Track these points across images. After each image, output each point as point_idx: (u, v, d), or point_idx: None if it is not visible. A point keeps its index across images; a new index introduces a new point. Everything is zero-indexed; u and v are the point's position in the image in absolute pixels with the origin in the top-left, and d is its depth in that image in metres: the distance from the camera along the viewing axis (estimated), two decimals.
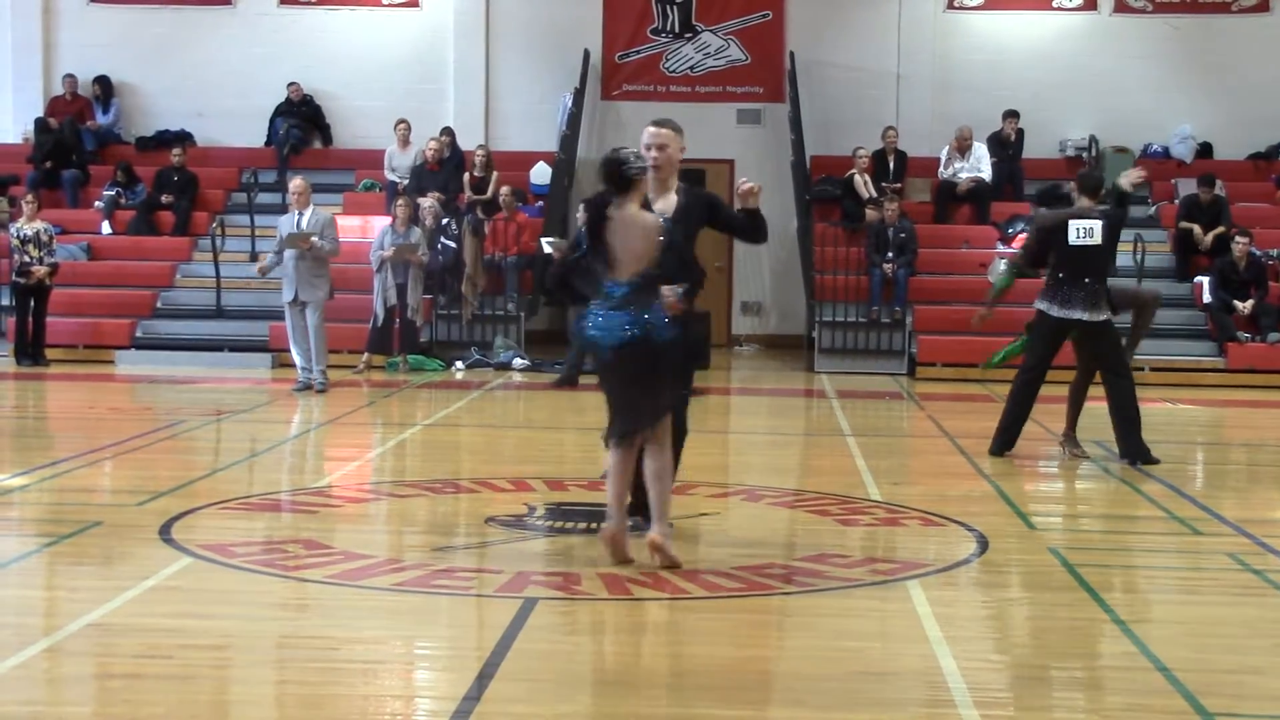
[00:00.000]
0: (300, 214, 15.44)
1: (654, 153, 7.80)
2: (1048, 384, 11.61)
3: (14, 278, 18.18)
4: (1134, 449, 11.18)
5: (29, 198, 18.79)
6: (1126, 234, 19.69)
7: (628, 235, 7.35)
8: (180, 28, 23.06)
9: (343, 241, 17.88)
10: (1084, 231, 11.07)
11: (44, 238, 18.24)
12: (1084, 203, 11.33)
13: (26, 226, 18.21)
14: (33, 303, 18.13)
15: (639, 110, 22.29)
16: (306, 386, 15.33)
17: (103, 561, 7.65)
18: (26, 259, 18.08)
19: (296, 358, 15.53)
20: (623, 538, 7.44)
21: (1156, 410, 15.37)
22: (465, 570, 7.53)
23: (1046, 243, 11.33)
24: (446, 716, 5.22)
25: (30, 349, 18.09)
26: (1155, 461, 11.10)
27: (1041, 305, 11.24)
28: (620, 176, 7.38)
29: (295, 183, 15.88)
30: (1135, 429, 11.22)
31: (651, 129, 7.93)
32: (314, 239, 15.17)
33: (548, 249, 17.75)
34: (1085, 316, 11.07)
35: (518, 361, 18.55)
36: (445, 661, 6.08)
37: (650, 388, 7.36)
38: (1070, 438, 11.63)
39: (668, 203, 7.87)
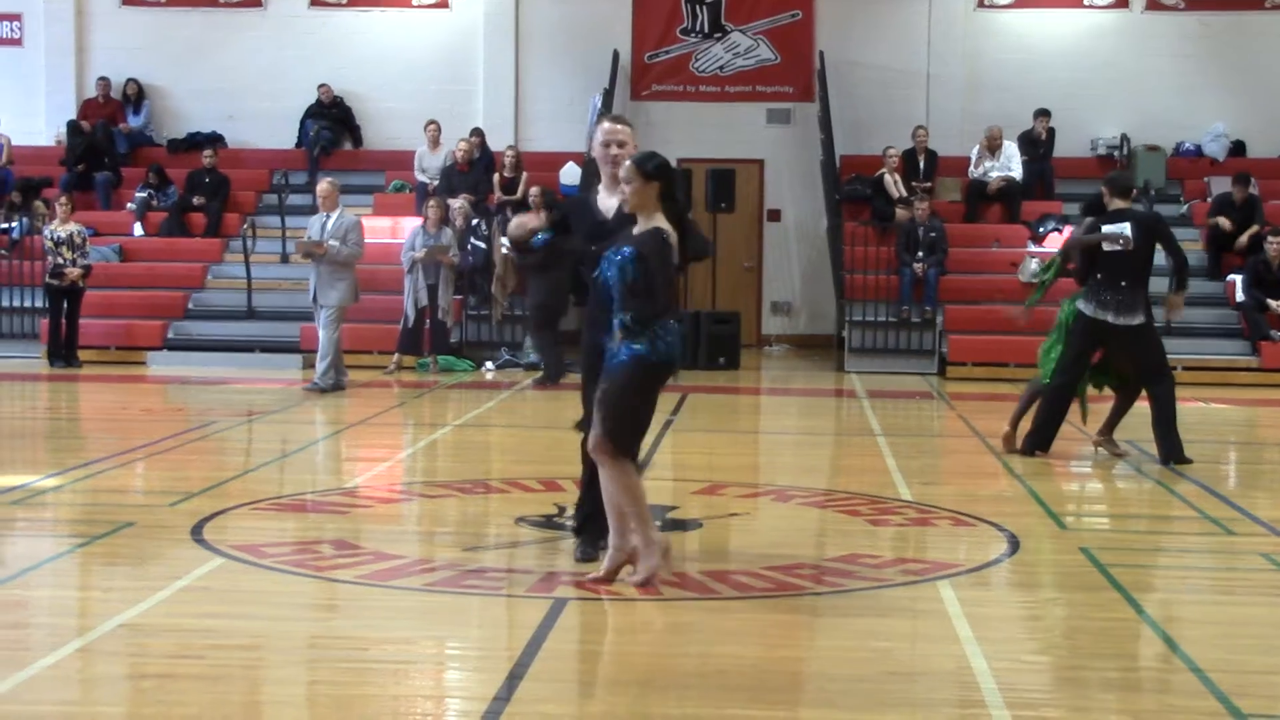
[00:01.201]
0: (327, 216, 15.47)
1: (614, 150, 7.58)
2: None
3: (47, 280, 18.29)
4: (1169, 449, 11.14)
5: (63, 200, 18.90)
6: None
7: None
8: (211, 30, 23.17)
9: (373, 243, 17.94)
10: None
11: (77, 240, 18.35)
12: (1117, 204, 11.27)
13: (60, 229, 18.32)
14: (65, 304, 18.24)
15: (669, 110, 22.33)
16: (337, 386, 15.41)
17: (135, 562, 7.68)
18: (60, 261, 18.19)
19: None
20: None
21: (1190, 409, 15.28)
22: (495, 570, 7.53)
23: (1090, 254, 11.23)
24: (477, 717, 5.23)
25: (63, 350, 18.19)
26: (1188, 461, 11.04)
27: (1080, 305, 11.20)
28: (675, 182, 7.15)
29: (321, 186, 15.91)
30: (1172, 429, 11.18)
31: (611, 125, 7.70)
32: (330, 243, 15.15)
33: (505, 249, 17.76)
34: (1112, 319, 10.99)
35: None
36: (475, 662, 6.09)
37: None
38: (1108, 438, 11.57)
39: (615, 200, 7.55)
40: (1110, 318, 11.02)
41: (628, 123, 7.82)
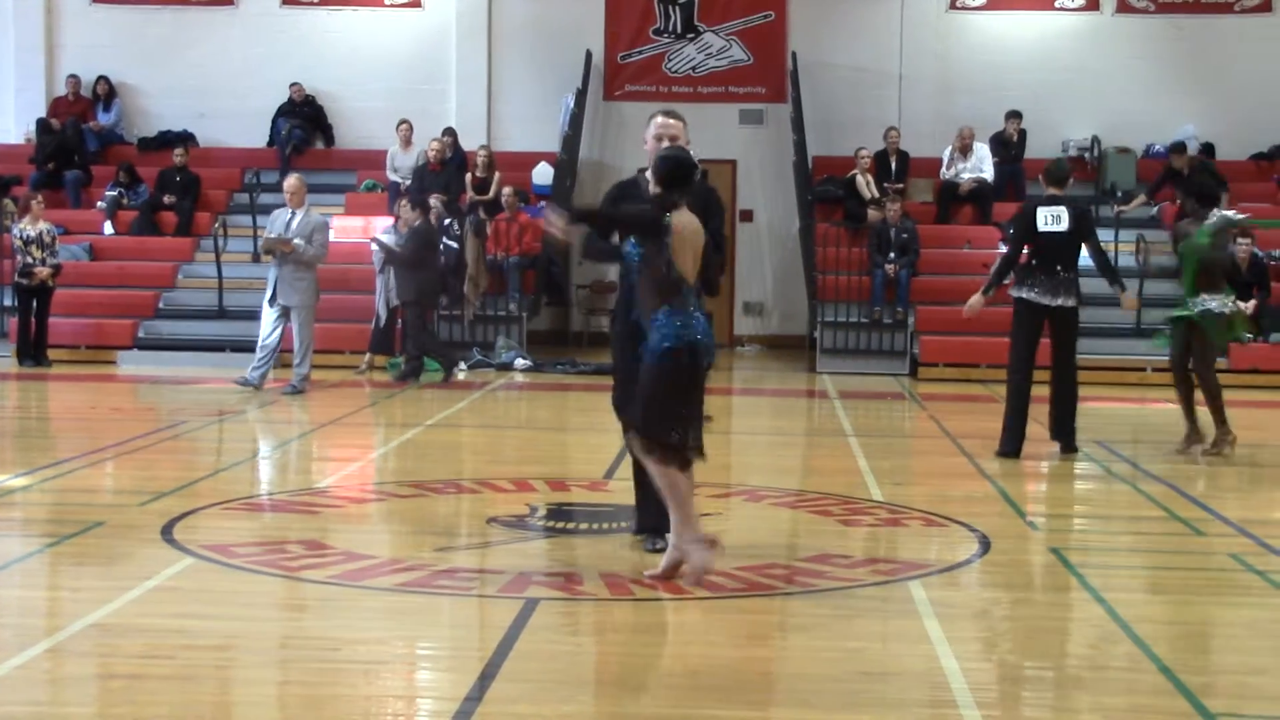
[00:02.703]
0: (294, 214, 15.33)
1: (666, 144, 7.66)
2: (1041, 384, 11.64)
3: (16, 279, 18.16)
4: (1065, 434, 11.55)
5: (38, 199, 18.74)
6: (1128, 234, 19.77)
7: (683, 241, 7.04)
8: (182, 28, 23.08)
9: (345, 242, 17.90)
10: (1051, 218, 11.24)
11: (46, 239, 18.22)
12: (1051, 191, 11.50)
13: (30, 228, 18.18)
14: (35, 303, 18.13)
15: (641, 111, 22.14)
16: (248, 384, 15.15)
17: (105, 562, 7.65)
18: (29, 260, 18.06)
19: (256, 351, 15.35)
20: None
21: (1158, 410, 15.36)
22: (467, 571, 7.53)
23: (1021, 233, 11.51)
24: (448, 717, 5.22)
25: (33, 350, 18.08)
26: (1075, 450, 11.47)
27: (1020, 293, 11.34)
28: (690, 179, 7.09)
29: (289, 181, 15.79)
30: (1070, 417, 11.56)
31: (664, 119, 7.78)
32: (296, 242, 15.03)
33: (380, 245, 17.76)
34: (1064, 302, 11.26)
35: (519, 362, 18.56)
36: (447, 662, 6.09)
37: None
38: (1194, 436, 11.83)
39: None
40: (1048, 300, 11.20)
41: (680, 117, 7.92)
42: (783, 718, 5.44)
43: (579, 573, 7.34)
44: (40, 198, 18.89)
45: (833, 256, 19.65)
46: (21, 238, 18.14)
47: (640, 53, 22.86)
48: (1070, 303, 11.30)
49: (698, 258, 7.13)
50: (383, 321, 17.88)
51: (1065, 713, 5.47)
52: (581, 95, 21.70)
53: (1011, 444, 11.45)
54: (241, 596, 6.91)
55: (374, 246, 17.37)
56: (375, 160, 21.85)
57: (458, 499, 9.58)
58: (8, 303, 18.98)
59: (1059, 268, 11.23)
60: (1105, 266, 11.75)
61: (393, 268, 17.13)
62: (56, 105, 22.88)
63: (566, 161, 21.15)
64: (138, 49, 23.09)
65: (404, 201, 18.58)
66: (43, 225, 18.33)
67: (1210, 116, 22.20)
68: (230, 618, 6.53)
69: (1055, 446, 11.79)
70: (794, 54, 22.30)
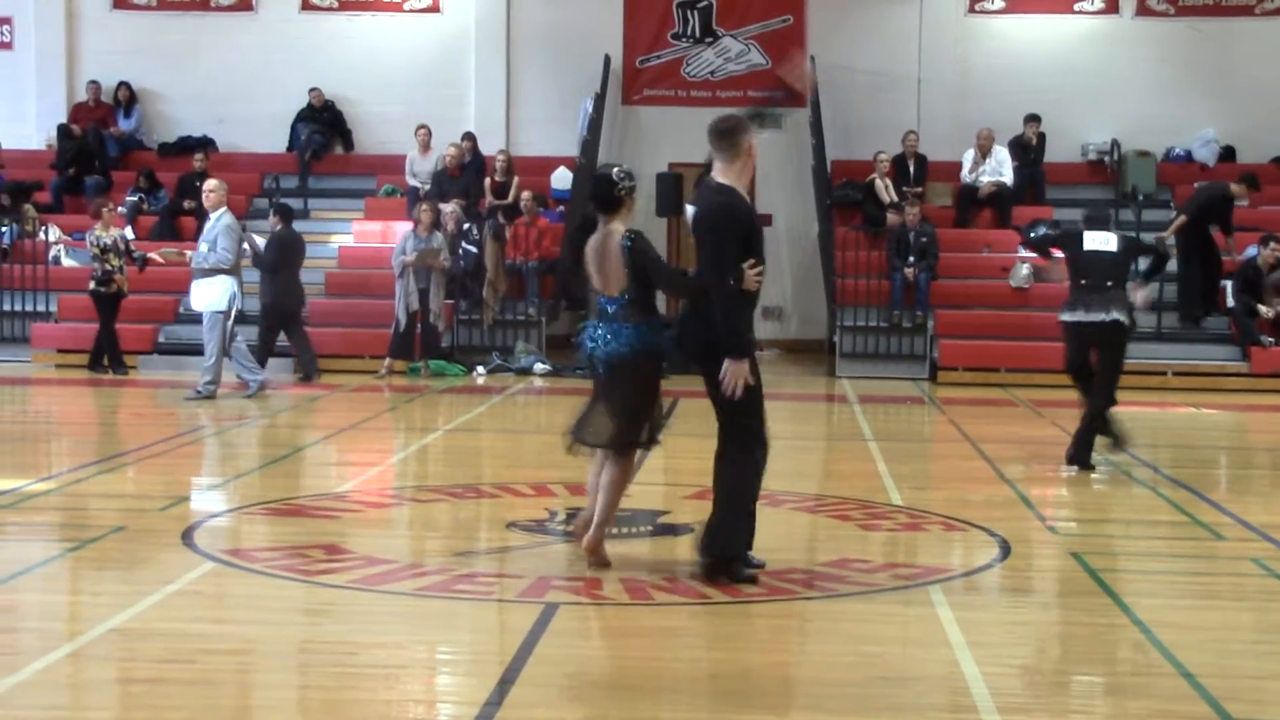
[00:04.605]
0: (209, 216, 15.35)
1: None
2: (1062, 388, 11.64)
3: (94, 287, 17.85)
4: (1080, 455, 11.16)
5: (110, 205, 18.53)
6: (1147, 238, 19.71)
7: (604, 256, 7.41)
8: (202, 34, 23.14)
9: (365, 247, 17.90)
10: (1099, 240, 11.25)
11: (122, 245, 17.91)
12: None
13: (105, 235, 17.89)
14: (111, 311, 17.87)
15: (660, 115, 22.32)
16: (253, 392, 15.13)
17: (125, 566, 7.67)
18: (108, 268, 17.75)
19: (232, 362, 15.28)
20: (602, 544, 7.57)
21: (1180, 415, 15.33)
22: (486, 575, 7.53)
23: (1067, 241, 11.47)
24: None
25: (108, 358, 17.85)
26: (1090, 468, 11.14)
27: (1065, 316, 11.28)
28: (609, 196, 7.42)
29: (206, 183, 15.71)
30: (1091, 438, 11.23)
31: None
32: (201, 248, 14.95)
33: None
34: (1111, 316, 11.06)
35: (539, 366, 18.58)
36: (466, 666, 6.09)
37: (652, 400, 7.62)
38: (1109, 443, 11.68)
39: None
40: (1096, 315, 11.11)
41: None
42: None
43: (599, 577, 7.34)
44: (112, 204, 18.60)
45: (852, 260, 19.63)
46: (99, 245, 17.80)
47: (659, 57, 22.86)
48: (1118, 316, 11.03)
49: (616, 270, 7.36)
50: (402, 327, 17.92)
51: (1085, 717, 5.45)
52: (600, 100, 21.70)
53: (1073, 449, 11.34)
54: (261, 601, 6.92)
55: (245, 249, 17.22)
56: (394, 165, 21.87)
57: (477, 503, 9.59)
58: (29, 307, 19.00)
59: (1109, 283, 11.08)
60: (1157, 260, 11.84)
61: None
62: (77, 111, 22.96)
63: (585, 166, 21.12)
64: (158, 55, 23.14)
65: (424, 205, 18.64)
66: (115, 232, 18.02)
67: (1230, 119, 22.11)
68: (250, 622, 6.54)
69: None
70: (812, 58, 22.27)
